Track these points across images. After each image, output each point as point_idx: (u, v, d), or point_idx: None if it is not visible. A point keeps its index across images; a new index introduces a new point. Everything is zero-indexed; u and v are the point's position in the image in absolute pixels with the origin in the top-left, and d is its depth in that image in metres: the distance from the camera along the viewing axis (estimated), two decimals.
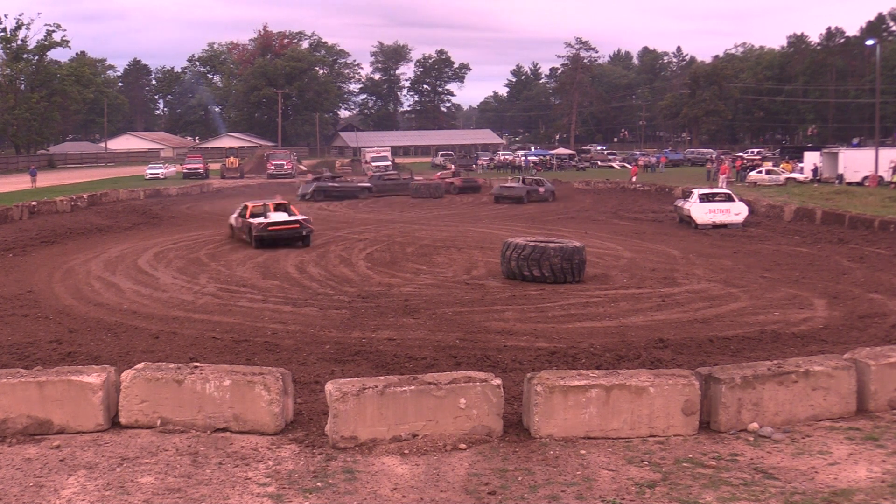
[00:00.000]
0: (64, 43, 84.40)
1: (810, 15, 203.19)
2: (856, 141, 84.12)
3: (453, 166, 68.33)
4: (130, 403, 7.74)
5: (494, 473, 6.81)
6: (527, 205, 41.58)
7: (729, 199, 31.42)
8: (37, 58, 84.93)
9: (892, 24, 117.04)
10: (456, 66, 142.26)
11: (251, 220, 25.38)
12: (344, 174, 62.13)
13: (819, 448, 7.38)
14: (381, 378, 7.86)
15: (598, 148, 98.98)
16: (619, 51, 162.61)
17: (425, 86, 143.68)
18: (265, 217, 25.50)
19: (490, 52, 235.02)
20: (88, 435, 7.57)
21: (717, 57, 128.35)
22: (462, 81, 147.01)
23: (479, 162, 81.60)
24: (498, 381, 7.70)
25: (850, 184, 47.25)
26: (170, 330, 13.88)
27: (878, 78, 62.81)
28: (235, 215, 27.10)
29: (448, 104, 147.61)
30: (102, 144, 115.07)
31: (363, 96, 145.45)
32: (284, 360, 11.50)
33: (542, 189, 45.16)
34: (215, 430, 7.63)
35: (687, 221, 31.06)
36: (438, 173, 61.17)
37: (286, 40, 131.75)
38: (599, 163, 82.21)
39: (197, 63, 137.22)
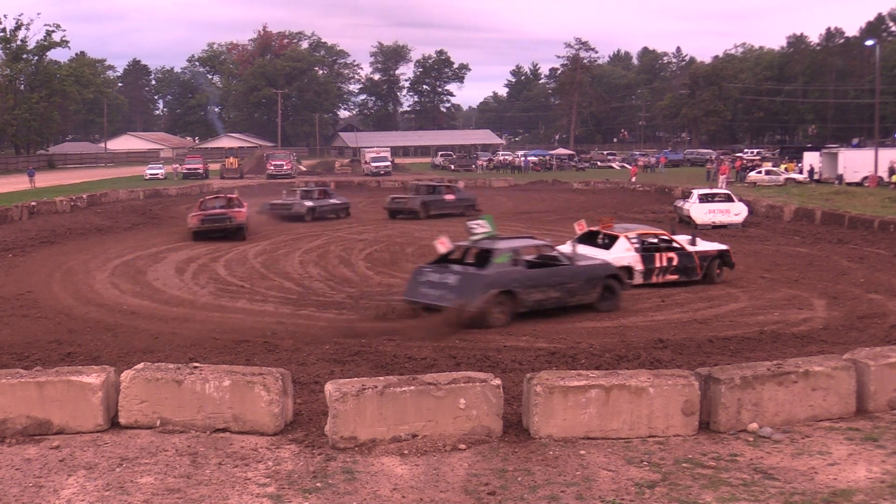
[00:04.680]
0: (63, 43, 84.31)
1: (810, 15, 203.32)
2: (855, 141, 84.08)
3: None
4: (130, 404, 7.74)
5: (494, 474, 6.80)
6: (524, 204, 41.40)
7: (728, 199, 31.41)
8: (36, 58, 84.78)
9: (891, 24, 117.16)
10: (456, 66, 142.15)
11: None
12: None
13: (819, 448, 7.38)
14: (381, 378, 7.86)
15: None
16: (618, 51, 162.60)
17: (425, 86, 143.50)
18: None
19: (490, 52, 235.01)
20: (88, 435, 7.56)
21: (716, 57, 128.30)
22: (462, 82, 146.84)
23: (479, 162, 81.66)
24: (497, 382, 7.69)
25: (849, 184, 47.24)
26: (170, 330, 13.87)
27: (877, 78, 62.87)
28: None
29: (448, 104, 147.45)
30: (102, 145, 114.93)
31: (363, 96, 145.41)
32: (284, 360, 11.47)
33: None
34: (215, 431, 7.62)
35: (687, 222, 31.05)
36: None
37: (286, 40, 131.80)
38: (599, 163, 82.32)
39: (197, 63, 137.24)
